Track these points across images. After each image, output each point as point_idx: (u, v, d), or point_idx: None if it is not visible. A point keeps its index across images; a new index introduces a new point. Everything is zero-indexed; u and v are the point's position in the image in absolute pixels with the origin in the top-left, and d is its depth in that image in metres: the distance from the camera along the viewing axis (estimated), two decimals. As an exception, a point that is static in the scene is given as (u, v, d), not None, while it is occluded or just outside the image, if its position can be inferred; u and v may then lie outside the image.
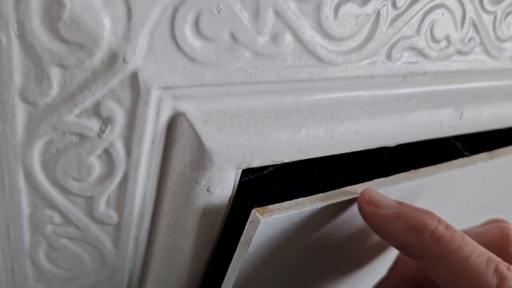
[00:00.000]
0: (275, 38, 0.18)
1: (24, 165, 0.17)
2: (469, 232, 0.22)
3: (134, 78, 0.16)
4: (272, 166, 0.22)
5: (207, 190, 0.19)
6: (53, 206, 0.19)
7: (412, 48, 0.23)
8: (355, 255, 0.27)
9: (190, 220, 0.20)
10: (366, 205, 0.21)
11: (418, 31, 0.22)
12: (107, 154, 0.18)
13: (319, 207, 0.20)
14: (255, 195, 0.22)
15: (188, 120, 0.18)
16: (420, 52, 0.23)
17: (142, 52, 0.16)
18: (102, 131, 0.17)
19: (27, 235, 0.20)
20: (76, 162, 0.18)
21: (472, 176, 0.28)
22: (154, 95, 0.17)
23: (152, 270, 0.23)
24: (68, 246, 0.21)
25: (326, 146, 0.21)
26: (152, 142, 0.18)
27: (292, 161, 0.21)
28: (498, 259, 0.19)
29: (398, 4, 0.21)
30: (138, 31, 0.15)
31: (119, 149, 0.18)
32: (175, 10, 0.16)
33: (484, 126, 0.28)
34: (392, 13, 0.21)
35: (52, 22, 0.14)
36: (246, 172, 0.22)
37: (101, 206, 0.19)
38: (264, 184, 0.22)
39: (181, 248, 0.22)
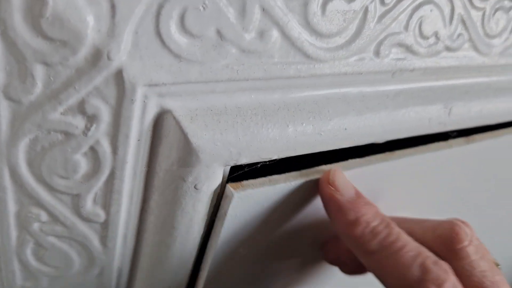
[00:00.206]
0: (262, 34, 0.18)
1: (9, 163, 0.17)
2: (423, 224, 0.23)
3: (119, 76, 0.16)
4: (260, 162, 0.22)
5: (194, 187, 0.19)
6: (39, 204, 0.19)
7: (400, 45, 0.23)
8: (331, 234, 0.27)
9: (178, 217, 0.20)
10: (326, 185, 0.22)
11: (406, 28, 0.22)
12: (93, 152, 0.18)
13: (292, 183, 0.21)
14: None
15: (174, 118, 0.18)
16: (408, 49, 0.23)
17: (127, 49, 0.16)
18: (87, 128, 0.17)
19: (14, 233, 0.20)
20: (62, 159, 0.18)
21: (447, 161, 0.28)
22: (140, 92, 0.17)
23: (141, 267, 0.23)
24: (56, 244, 0.21)
25: (314, 143, 0.21)
26: (139, 140, 0.18)
27: (280, 158, 0.21)
28: (428, 254, 0.21)
29: (386, 1, 0.21)
30: (122, 28, 0.15)
31: (105, 146, 0.18)
32: (160, 7, 0.16)
33: (473, 122, 0.29)
34: (380, 9, 0.21)
35: (35, 19, 0.14)
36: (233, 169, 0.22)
37: (88, 204, 0.19)
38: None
39: (169, 245, 0.22)
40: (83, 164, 0.18)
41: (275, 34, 0.18)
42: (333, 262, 0.27)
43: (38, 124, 0.16)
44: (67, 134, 0.17)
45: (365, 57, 0.22)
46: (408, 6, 0.22)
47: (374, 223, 0.21)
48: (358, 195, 0.22)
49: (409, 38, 0.23)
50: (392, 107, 0.24)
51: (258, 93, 0.20)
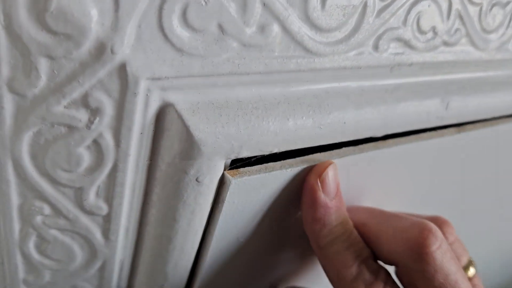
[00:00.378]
0: (262, 29, 0.18)
1: (13, 156, 0.17)
2: (396, 224, 0.24)
3: (122, 69, 0.16)
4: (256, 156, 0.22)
5: (196, 180, 0.19)
6: (42, 197, 0.19)
7: (399, 39, 0.23)
8: None
9: (179, 210, 0.21)
10: (315, 178, 0.23)
11: (404, 23, 0.23)
12: (96, 145, 0.18)
13: (289, 171, 0.21)
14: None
15: (176, 111, 0.18)
16: (406, 43, 0.23)
17: (130, 43, 0.16)
18: (90, 122, 0.17)
19: (16, 227, 0.20)
20: (65, 153, 0.18)
21: (439, 150, 0.28)
22: (143, 86, 0.17)
23: (143, 260, 0.23)
24: (58, 237, 0.21)
25: (314, 136, 0.21)
26: (141, 133, 0.18)
27: (280, 151, 0.21)
28: (369, 258, 0.23)
29: (385, -4, 0.21)
30: (125, 22, 0.15)
31: (108, 139, 0.18)
32: (163, 1, 0.16)
33: (470, 116, 0.29)
34: (379, 4, 0.21)
35: (39, 13, 0.14)
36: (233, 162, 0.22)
37: (91, 197, 0.20)
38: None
39: (171, 239, 0.22)
40: (86, 157, 0.18)
41: (275, 28, 0.19)
42: None
43: (42, 117, 0.17)
44: (71, 127, 0.17)
45: (364, 51, 0.22)
46: (406, 1, 0.22)
47: (334, 223, 0.23)
48: (337, 196, 0.23)
49: (407, 33, 0.23)
50: (390, 101, 0.24)
51: (258, 87, 0.20)
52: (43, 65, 0.15)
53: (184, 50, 0.17)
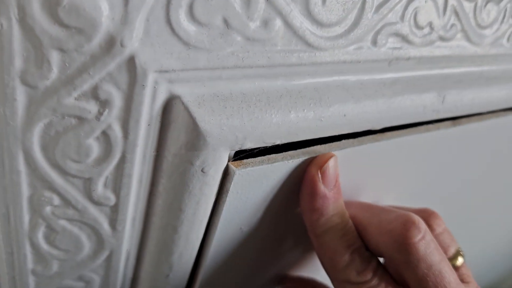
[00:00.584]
0: (266, 23, 0.19)
1: (24, 147, 0.18)
2: (382, 216, 0.24)
3: (131, 62, 0.17)
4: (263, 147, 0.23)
5: (202, 170, 0.20)
6: (52, 187, 0.20)
7: (396, 34, 0.24)
8: None
9: (185, 200, 0.21)
10: (316, 169, 0.23)
11: (402, 18, 0.23)
12: (105, 136, 0.18)
13: (291, 162, 0.22)
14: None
15: (183, 103, 0.18)
16: (404, 38, 0.24)
17: (139, 37, 0.16)
18: (100, 113, 0.18)
19: (26, 217, 0.20)
20: (75, 144, 0.18)
21: (434, 143, 0.29)
22: (151, 78, 0.17)
23: (149, 250, 0.24)
24: (67, 228, 0.21)
25: (315, 128, 0.22)
26: (149, 124, 0.19)
27: (282, 143, 0.22)
28: (361, 247, 0.24)
29: (383, -8, 0.22)
30: (134, 16, 0.16)
31: (117, 131, 0.18)
32: (170, -4, 0.16)
33: (465, 110, 0.30)
34: (378, 0, 0.22)
35: (52, 6, 0.15)
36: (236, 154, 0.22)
37: (99, 188, 0.20)
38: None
39: (176, 228, 0.22)
40: (95, 148, 0.19)
41: (278, 23, 0.19)
42: None
43: (53, 109, 0.17)
44: (81, 119, 0.18)
45: (363, 46, 0.23)
46: (404, -3, 0.23)
47: (331, 213, 0.24)
48: (336, 187, 0.24)
49: (405, 28, 0.24)
50: (388, 95, 0.25)
51: (261, 80, 0.20)
52: (54, 57, 0.16)
53: (191, 44, 0.17)
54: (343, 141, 0.24)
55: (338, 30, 0.21)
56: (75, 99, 0.17)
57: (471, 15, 0.27)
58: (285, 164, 0.22)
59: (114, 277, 0.25)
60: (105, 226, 0.22)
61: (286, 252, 0.29)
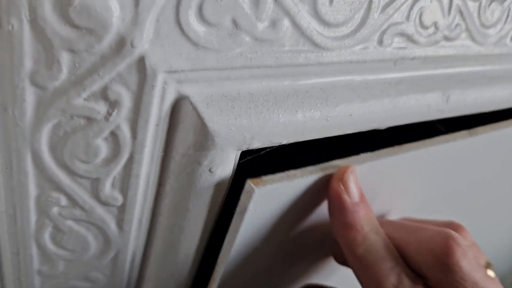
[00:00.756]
0: (274, 24, 0.19)
1: (32, 148, 0.18)
2: (419, 234, 0.24)
3: (141, 62, 0.17)
4: (269, 147, 0.23)
5: (209, 170, 0.20)
6: (59, 188, 0.19)
7: (402, 34, 0.24)
8: None
9: (192, 200, 0.21)
10: (338, 183, 0.23)
11: (408, 18, 0.23)
12: (114, 137, 0.18)
13: (309, 178, 0.21)
14: (253, 175, 0.23)
15: (191, 103, 0.18)
16: (409, 38, 0.24)
17: (149, 37, 0.16)
18: (109, 114, 0.18)
19: (33, 217, 0.20)
20: (83, 144, 0.18)
21: (451, 153, 0.29)
22: (160, 78, 0.17)
23: (155, 250, 0.24)
24: (73, 228, 0.21)
25: (322, 128, 0.22)
26: (157, 125, 0.19)
27: (289, 142, 0.22)
28: (405, 269, 0.22)
29: (389, -8, 0.22)
30: (145, 16, 0.16)
31: (125, 131, 0.18)
32: (180, -3, 0.16)
33: (469, 109, 0.30)
34: (384, 0, 0.22)
35: (63, 7, 0.15)
36: (244, 154, 0.22)
37: (107, 188, 0.20)
38: (261, 165, 0.23)
39: (183, 228, 0.22)
40: (103, 149, 0.19)
41: (286, 23, 0.19)
42: (342, 263, 0.28)
43: (62, 110, 0.17)
44: (90, 119, 0.18)
45: (369, 46, 0.23)
46: (409, -3, 0.23)
47: (366, 229, 0.23)
48: (362, 199, 0.23)
49: (410, 28, 0.24)
50: (394, 95, 0.25)
51: (269, 80, 0.20)
52: (65, 58, 0.16)
53: (200, 44, 0.17)
54: (361, 155, 0.24)
55: (345, 30, 0.21)
56: (85, 99, 0.17)
57: (475, 14, 0.27)
58: (304, 180, 0.21)
59: (120, 277, 0.25)
60: (112, 226, 0.22)
61: (301, 267, 0.29)
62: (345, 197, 0.23)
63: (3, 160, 0.18)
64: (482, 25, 0.27)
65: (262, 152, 0.23)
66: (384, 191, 0.28)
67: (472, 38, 0.27)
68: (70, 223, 0.21)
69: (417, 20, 0.24)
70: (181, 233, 0.23)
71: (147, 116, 0.18)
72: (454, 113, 0.29)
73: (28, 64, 0.16)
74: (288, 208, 0.22)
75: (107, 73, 0.17)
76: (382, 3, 0.22)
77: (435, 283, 0.23)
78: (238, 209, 0.20)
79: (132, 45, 0.16)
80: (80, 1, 0.15)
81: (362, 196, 0.23)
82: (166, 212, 0.22)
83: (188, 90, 0.18)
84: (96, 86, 0.17)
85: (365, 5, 0.21)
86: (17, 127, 0.17)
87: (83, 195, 0.20)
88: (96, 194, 0.20)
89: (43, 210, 0.20)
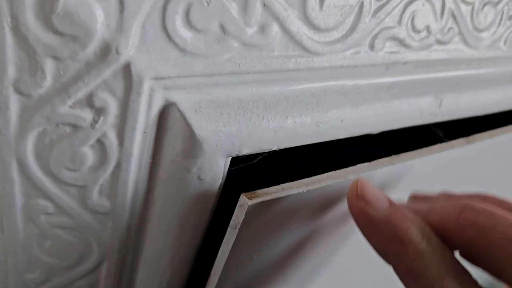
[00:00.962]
0: (263, 29, 0.19)
1: (17, 156, 0.18)
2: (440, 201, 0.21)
3: (127, 69, 0.16)
4: (261, 154, 0.22)
5: (198, 178, 0.20)
6: (46, 196, 0.19)
7: (394, 38, 0.23)
8: (342, 239, 0.28)
9: (181, 207, 0.21)
10: (356, 200, 0.20)
11: (399, 22, 0.23)
12: (100, 144, 0.18)
13: (305, 191, 0.21)
14: (245, 182, 0.23)
15: (179, 110, 0.18)
16: (401, 42, 0.24)
17: (135, 44, 0.16)
18: (95, 121, 0.17)
19: (20, 225, 0.20)
20: (70, 152, 0.18)
21: (449, 161, 0.29)
22: (146, 85, 0.17)
23: (144, 257, 0.24)
24: (61, 236, 0.21)
25: (313, 134, 0.22)
26: (144, 132, 0.18)
27: (280, 148, 0.22)
28: (465, 272, 0.19)
29: (381, -4, 0.22)
30: (130, 23, 0.16)
31: (112, 139, 0.18)
32: (166, 2, 0.16)
33: (463, 113, 0.30)
34: (375, 4, 0.22)
35: (46, 14, 0.15)
36: (235, 160, 0.22)
37: (94, 195, 0.20)
38: (253, 172, 0.23)
39: (172, 235, 0.22)
40: (90, 156, 0.18)
41: (275, 28, 0.19)
42: None
43: (47, 117, 0.17)
44: (75, 127, 0.17)
45: (360, 50, 0.22)
46: (401, 1, 0.23)
47: (416, 237, 0.19)
48: (393, 206, 0.20)
49: (402, 32, 0.24)
50: (386, 99, 0.25)
51: (258, 85, 0.20)
52: (49, 65, 0.16)
53: (187, 50, 0.17)
54: (358, 165, 0.24)
55: (336, 34, 0.21)
56: (70, 107, 0.17)
57: (468, 18, 0.27)
58: (299, 193, 0.21)
59: (110, 285, 0.25)
60: (101, 234, 0.22)
61: (297, 278, 0.29)
62: (371, 210, 0.20)
63: (-12, 168, 0.18)
64: (475, 28, 0.27)
65: (254, 161, 0.23)
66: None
67: (465, 42, 0.27)
68: (58, 230, 0.21)
69: (409, 24, 0.24)
70: (171, 241, 0.22)
71: (134, 123, 0.18)
72: (447, 117, 0.28)
73: (11, 71, 0.15)
74: (282, 220, 0.22)
75: (92, 80, 0.16)
76: (374, 7, 0.22)
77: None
78: (231, 222, 0.20)
79: (117, 52, 0.16)
80: (63, 7, 0.14)
81: (391, 202, 0.20)
82: (155, 219, 0.22)
83: (176, 96, 0.18)
84: (81, 93, 0.17)
85: (356, 10, 0.21)
86: (1, 135, 0.17)
87: (71, 203, 0.20)
88: (83, 202, 0.20)
89: (30, 218, 0.20)
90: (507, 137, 0.32)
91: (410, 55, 0.25)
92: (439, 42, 0.26)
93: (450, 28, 0.26)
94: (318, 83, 0.22)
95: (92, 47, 0.16)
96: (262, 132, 0.20)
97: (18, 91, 0.16)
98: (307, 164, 0.26)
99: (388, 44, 0.23)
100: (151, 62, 0.17)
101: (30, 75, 0.16)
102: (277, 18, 0.19)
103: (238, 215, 0.19)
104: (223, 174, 0.21)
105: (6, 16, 0.14)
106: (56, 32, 0.15)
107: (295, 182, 0.21)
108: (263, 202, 0.19)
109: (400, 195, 0.28)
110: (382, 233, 0.20)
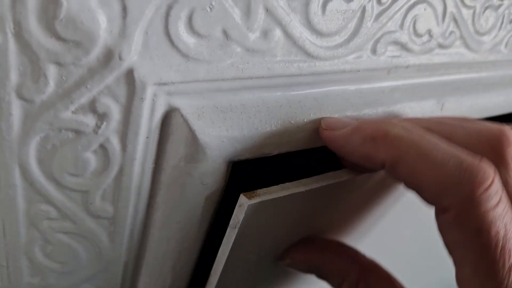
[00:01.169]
0: (265, 34, 0.19)
1: (20, 161, 0.18)
2: (467, 126, 0.20)
3: (129, 75, 0.16)
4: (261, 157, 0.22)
5: (201, 182, 0.20)
6: (49, 201, 0.19)
7: (396, 43, 0.23)
8: (341, 236, 0.28)
9: (184, 212, 0.21)
10: (323, 131, 0.21)
11: (401, 26, 0.23)
12: (103, 149, 0.18)
13: (304, 191, 0.21)
14: (246, 186, 0.23)
15: (182, 115, 0.18)
16: (403, 46, 0.24)
17: (138, 50, 0.16)
18: (98, 127, 0.17)
19: (22, 231, 0.20)
20: (72, 157, 0.18)
21: None
22: (149, 91, 0.17)
23: (146, 262, 0.24)
24: (64, 241, 0.21)
25: (315, 138, 0.22)
26: (147, 137, 0.18)
27: (281, 153, 0.22)
28: (466, 156, 0.18)
29: (383, 0, 0.22)
30: (133, 28, 0.16)
31: (115, 144, 0.18)
32: (169, 8, 0.16)
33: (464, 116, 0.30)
34: (377, 8, 0.22)
35: (49, 20, 0.14)
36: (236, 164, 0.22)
37: (97, 200, 0.20)
38: (253, 176, 0.23)
39: (175, 239, 0.22)
40: (92, 162, 0.18)
41: (278, 33, 0.19)
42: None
43: (49, 123, 0.17)
44: (78, 132, 0.17)
45: (362, 55, 0.22)
46: (403, 5, 0.23)
47: (388, 130, 0.19)
48: (360, 121, 0.21)
49: (404, 36, 0.24)
50: (388, 103, 0.25)
51: (261, 90, 0.20)
52: (51, 71, 0.16)
53: (190, 56, 0.17)
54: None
55: (338, 39, 0.21)
56: (72, 112, 0.17)
57: (469, 22, 0.27)
58: (298, 193, 0.21)
59: (112, 289, 0.25)
60: (103, 238, 0.22)
61: (295, 277, 0.29)
62: (340, 132, 0.20)
63: (-10, 174, 0.18)
64: (477, 32, 0.27)
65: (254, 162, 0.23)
66: (382, 202, 0.28)
67: (467, 46, 0.27)
68: (60, 235, 0.21)
69: (411, 28, 0.24)
70: (173, 245, 0.22)
71: (137, 129, 0.18)
72: (449, 121, 0.28)
73: (13, 77, 0.15)
74: (282, 219, 0.22)
75: (95, 86, 0.16)
76: (376, 12, 0.22)
77: None
78: (231, 222, 0.20)
79: (120, 58, 0.16)
80: (66, 13, 0.14)
81: (351, 120, 0.21)
82: (158, 223, 0.22)
83: (179, 102, 0.18)
84: (84, 99, 0.17)
85: (358, 14, 0.21)
86: (4, 140, 0.17)
87: (73, 208, 0.20)
88: (86, 207, 0.20)
89: (32, 223, 0.20)
90: None
91: (412, 59, 0.25)
92: (440, 46, 0.26)
93: (451, 32, 0.26)
94: (320, 87, 0.22)
95: (95, 53, 0.16)
96: (264, 137, 0.20)
97: (21, 97, 0.16)
98: (308, 164, 0.26)
99: (390, 48, 0.23)
100: (154, 68, 0.17)
101: (33, 81, 0.16)
102: (279, 23, 0.19)
103: (238, 215, 0.20)
104: (225, 178, 0.21)
105: (9, 22, 0.14)
106: (59, 38, 0.15)
107: (294, 182, 0.21)
108: (262, 201, 0.19)
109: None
110: (352, 143, 0.20)
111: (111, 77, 0.16)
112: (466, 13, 0.26)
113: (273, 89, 0.21)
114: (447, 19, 0.25)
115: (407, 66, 0.25)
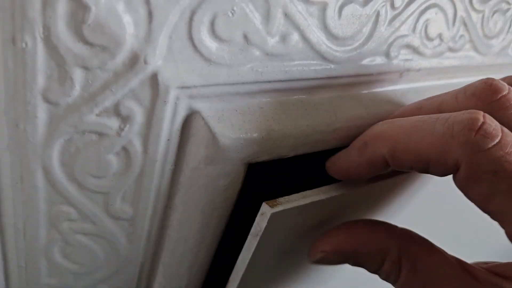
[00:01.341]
0: (284, 38, 0.19)
1: (43, 163, 0.18)
2: (452, 92, 0.21)
3: (154, 79, 0.17)
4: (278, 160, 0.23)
5: (219, 184, 0.20)
6: (70, 202, 0.19)
7: (408, 46, 0.24)
8: None
9: (202, 213, 0.21)
10: (330, 169, 0.22)
11: (414, 30, 0.23)
12: (125, 152, 0.18)
13: (324, 198, 0.21)
14: (261, 188, 0.23)
15: (203, 118, 0.18)
16: (415, 50, 0.24)
17: (162, 54, 0.16)
18: (121, 129, 0.18)
19: (43, 232, 0.20)
20: (95, 159, 0.18)
21: None
22: (172, 94, 0.17)
23: (163, 262, 0.24)
24: (83, 242, 0.21)
25: (330, 140, 0.22)
26: (168, 139, 0.19)
27: (297, 154, 0.22)
28: (450, 114, 0.18)
29: (396, 5, 0.22)
30: (158, 33, 0.16)
31: (137, 146, 0.18)
32: (193, 13, 0.16)
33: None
34: (391, 13, 0.22)
35: (77, 25, 0.15)
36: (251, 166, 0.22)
37: (117, 202, 0.20)
38: (269, 178, 0.23)
39: (191, 240, 0.22)
40: (114, 164, 0.19)
41: (296, 37, 0.19)
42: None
43: (74, 126, 0.17)
44: (101, 135, 0.18)
45: (376, 58, 0.23)
46: (415, 10, 0.23)
47: (378, 128, 0.21)
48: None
49: (416, 40, 0.24)
50: (400, 105, 0.25)
51: (279, 94, 0.21)
52: (78, 75, 0.16)
53: (212, 60, 0.17)
54: None
55: (353, 43, 0.21)
56: (97, 115, 0.17)
57: (478, 25, 0.27)
58: (319, 201, 0.21)
59: (128, 289, 0.25)
60: (122, 239, 0.22)
61: (314, 283, 0.29)
62: (343, 159, 0.22)
63: (13, 175, 0.18)
64: (485, 36, 0.28)
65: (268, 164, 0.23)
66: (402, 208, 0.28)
67: (476, 49, 0.28)
68: (80, 237, 0.21)
69: (423, 32, 0.24)
70: (190, 246, 0.23)
71: (159, 131, 0.18)
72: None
73: (40, 81, 0.16)
74: (301, 226, 0.22)
75: (119, 89, 0.17)
76: (389, 16, 0.22)
77: None
78: (252, 230, 0.20)
79: (145, 62, 0.16)
80: (94, 18, 0.15)
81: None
82: (175, 225, 0.22)
83: (200, 105, 0.18)
84: (108, 102, 0.17)
85: (373, 18, 0.21)
86: (28, 143, 0.17)
87: (94, 209, 0.20)
88: (106, 208, 0.20)
89: (53, 224, 0.20)
90: None
91: (423, 62, 0.25)
92: (450, 49, 0.26)
93: (461, 36, 0.26)
94: (335, 91, 0.22)
95: (121, 57, 0.16)
96: (282, 139, 0.20)
97: (47, 100, 0.16)
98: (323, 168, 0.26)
99: (402, 51, 0.24)
100: (177, 72, 0.17)
101: (59, 84, 0.16)
102: (297, 28, 0.19)
103: (260, 223, 0.20)
104: (242, 180, 0.21)
105: (39, 27, 0.15)
106: (87, 42, 0.15)
107: (314, 190, 0.21)
108: (284, 210, 0.20)
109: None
110: (354, 155, 0.21)
111: (136, 81, 0.17)
112: (476, 17, 0.26)
113: (290, 92, 0.21)
114: (457, 23, 0.25)
115: (419, 69, 0.25)
